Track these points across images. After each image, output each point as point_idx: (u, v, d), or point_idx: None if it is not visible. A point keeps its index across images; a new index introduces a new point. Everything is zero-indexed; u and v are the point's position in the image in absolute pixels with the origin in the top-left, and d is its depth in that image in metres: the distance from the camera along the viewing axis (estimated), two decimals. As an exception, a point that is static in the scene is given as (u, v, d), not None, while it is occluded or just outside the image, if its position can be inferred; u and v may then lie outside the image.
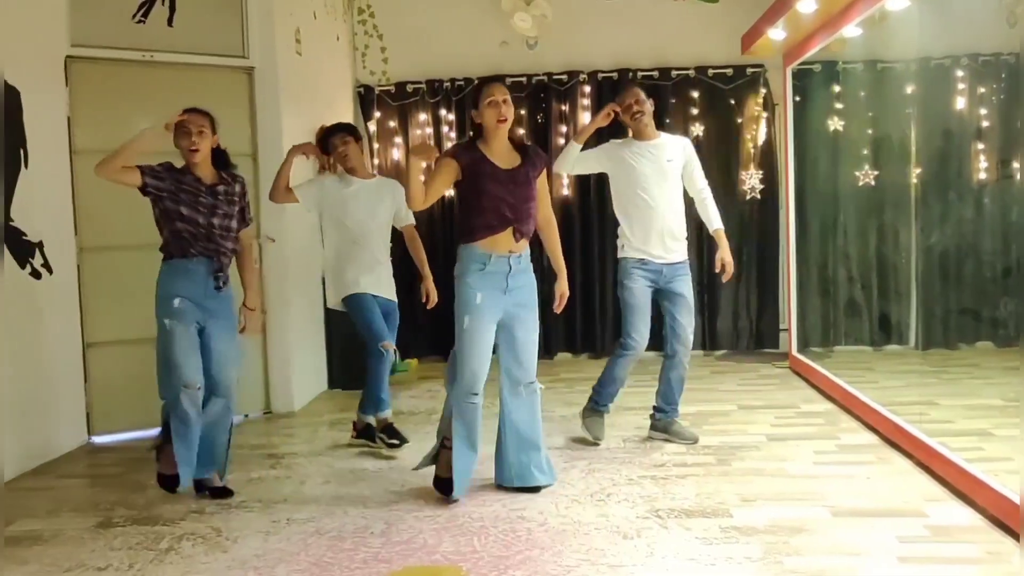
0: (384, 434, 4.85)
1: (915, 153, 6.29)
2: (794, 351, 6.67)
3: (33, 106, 4.74)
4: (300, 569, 3.24)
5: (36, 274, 4.77)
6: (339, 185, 4.88)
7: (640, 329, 4.66)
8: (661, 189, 4.64)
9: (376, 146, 7.54)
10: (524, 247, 3.96)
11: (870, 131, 6.91)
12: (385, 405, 4.89)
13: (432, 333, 7.23)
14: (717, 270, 4.83)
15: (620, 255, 4.74)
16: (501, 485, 4.05)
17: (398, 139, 7.53)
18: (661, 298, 4.73)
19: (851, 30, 5.42)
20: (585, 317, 7.53)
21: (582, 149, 4.77)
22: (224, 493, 4.10)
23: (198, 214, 4.00)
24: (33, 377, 4.69)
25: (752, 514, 3.65)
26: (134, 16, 5.33)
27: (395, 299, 4.98)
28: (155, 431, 5.35)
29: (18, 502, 4.15)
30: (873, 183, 6.89)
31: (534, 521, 3.64)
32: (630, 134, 4.77)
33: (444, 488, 3.94)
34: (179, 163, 4.13)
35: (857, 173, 6.86)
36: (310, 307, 6.29)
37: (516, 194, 3.88)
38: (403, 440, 4.83)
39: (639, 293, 4.66)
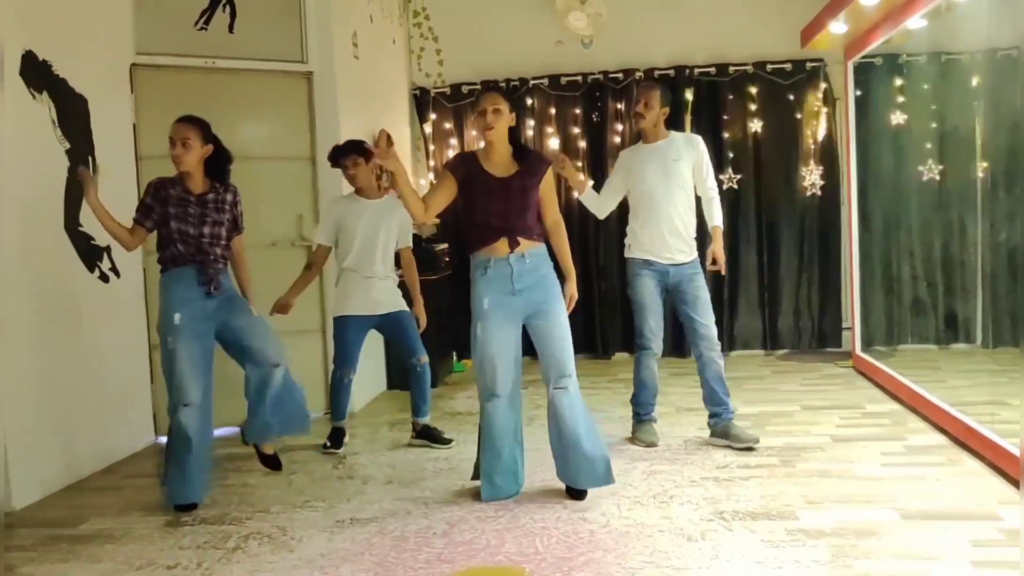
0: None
1: (981, 147, 6.13)
2: (858, 350, 6.54)
3: (100, 114, 4.85)
4: (364, 569, 3.26)
5: (104, 277, 4.88)
6: (350, 205, 4.96)
7: (651, 325, 4.69)
8: (666, 189, 4.64)
9: (432, 148, 7.58)
10: (528, 247, 3.92)
11: (934, 125, 6.75)
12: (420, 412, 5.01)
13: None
14: (708, 263, 4.80)
15: (626, 255, 4.79)
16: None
17: (453, 141, 7.56)
18: (675, 301, 4.75)
19: (915, 21, 5.30)
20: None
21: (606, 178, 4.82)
22: (272, 463, 4.29)
23: (188, 225, 4.05)
24: (101, 378, 4.80)
25: (819, 516, 3.59)
26: (196, 23, 5.43)
27: (402, 308, 5.02)
28: (221, 431, 5.49)
29: (90, 501, 4.26)
30: (938, 178, 6.73)
31: (596, 523, 3.62)
32: (640, 138, 4.82)
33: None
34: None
35: (921, 168, 6.70)
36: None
37: (508, 204, 3.89)
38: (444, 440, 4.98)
39: (646, 291, 4.69)
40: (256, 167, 5.63)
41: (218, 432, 5.43)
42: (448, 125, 7.56)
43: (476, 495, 4.03)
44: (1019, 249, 5.92)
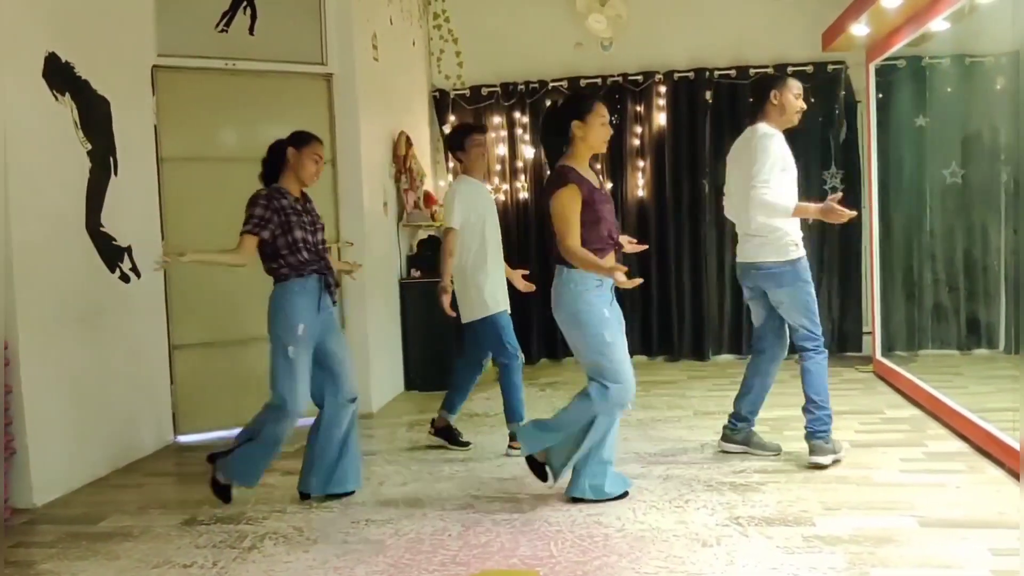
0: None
1: (1005, 150, 6.06)
2: (878, 355, 6.49)
3: (121, 115, 4.89)
4: (379, 570, 3.27)
5: (125, 278, 4.92)
6: (476, 188, 4.84)
7: (755, 331, 4.59)
8: (732, 183, 4.54)
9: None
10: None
11: (957, 128, 6.69)
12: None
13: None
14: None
15: (792, 256, 4.38)
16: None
17: (473, 142, 7.55)
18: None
19: (938, 24, 5.25)
20: (662, 321, 7.46)
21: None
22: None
23: (307, 233, 4.06)
24: (122, 377, 4.84)
25: (836, 523, 3.56)
26: (217, 25, 5.46)
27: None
28: (239, 430, 5.52)
29: (109, 498, 4.30)
30: (960, 181, 6.67)
31: (611, 527, 3.61)
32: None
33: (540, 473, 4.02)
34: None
35: (944, 171, 6.64)
36: (387, 310, 6.37)
37: (613, 214, 3.91)
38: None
39: (747, 300, 4.60)
40: (276, 168, 5.66)
41: (235, 431, 5.51)
42: (468, 127, 7.56)
43: (493, 496, 4.05)
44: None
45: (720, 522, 3.61)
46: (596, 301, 3.77)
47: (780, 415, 5.22)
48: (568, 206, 3.71)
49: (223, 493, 4.14)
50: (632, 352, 7.27)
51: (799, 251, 4.34)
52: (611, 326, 3.81)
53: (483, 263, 4.73)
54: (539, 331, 7.41)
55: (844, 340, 7.22)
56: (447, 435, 4.97)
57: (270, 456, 4.06)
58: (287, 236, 3.98)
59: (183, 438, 5.39)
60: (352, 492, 4.16)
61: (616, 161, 7.40)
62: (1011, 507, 3.67)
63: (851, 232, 7.13)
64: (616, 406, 3.83)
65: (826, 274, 7.17)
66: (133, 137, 5.02)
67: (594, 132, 3.82)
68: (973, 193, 6.61)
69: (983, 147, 6.44)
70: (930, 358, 6.68)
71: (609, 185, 7.17)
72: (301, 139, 4.09)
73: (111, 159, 4.82)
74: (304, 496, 4.13)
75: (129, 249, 4.94)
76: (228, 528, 3.80)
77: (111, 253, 4.81)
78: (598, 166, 7.21)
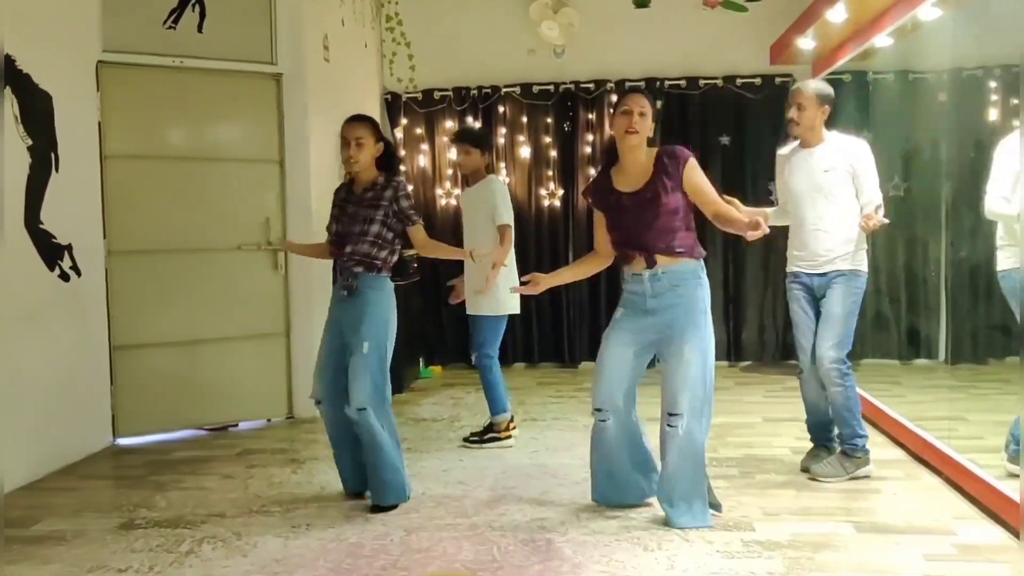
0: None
1: (946, 165, 6.20)
2: (821, 364, 6.58)
3: (65, 111, 4.79)
4: (318, 575, 3.23)
5: (65, 276, 4.82)
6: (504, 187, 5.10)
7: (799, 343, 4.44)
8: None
9: (403, 153, 7.56)
10: (668, 263, 3.64)
11: (900, 142, 6.82)
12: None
13: (457, 339, 7.25)
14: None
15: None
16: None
17: (424, 146, 7.55)
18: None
19: (882, 40, 5.36)
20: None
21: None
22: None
23: (340, 224, 4.02)
24: (60, 378, 4.74)
25: (775, 528, 3.60)
26: (165, 22, 5.38)
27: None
28: (180, 434, 5.45)
29: (44, 502, 4.20)
30: (903, 195, 6.81)
31: (555, 532, 3.62)
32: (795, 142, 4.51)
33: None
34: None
35: (887, 185, 6.76)
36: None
37: (640, 219, 3.63)
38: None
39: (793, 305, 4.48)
40: (223, 169, 5.60)
41: (176, 435, 5.44)
42: (419, 131, 7.55)
43: (437, 501, 4.03)
44: (980, 267, 6.00)
45: (662, 527, 3.64)
46: (621, 299, 3.79)
47: (723, 421, 5.27)
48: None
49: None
50: (580, 360, 7.45)
51: (790, 265, 4.42)
52: (612, 326, 3.78)
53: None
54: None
55: (787, 348, 7.30)
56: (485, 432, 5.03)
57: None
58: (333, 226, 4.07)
59: (123, 441, 5.28)
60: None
61: (567, 168, 7.43)
62: (945, 513, 3.76)
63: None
64: (593, 409, 3.83)
65: (771, 284, 7.27)
66: (76, 133, 4.92)
67: (615, 124, 3.71)
68: (915, 206, 6.75)
69: (925, 162, 6.58)
70: (871, 367, 6.79)
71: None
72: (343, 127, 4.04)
73: (52, 155, 4.72)
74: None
75: (69, 247, 4.84)
76: (165, 532, 3.73)
77: (50, 251, 4.70)
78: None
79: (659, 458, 3.78)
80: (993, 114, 6.06)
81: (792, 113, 4.31)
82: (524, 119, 7.45)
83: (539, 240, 7.43)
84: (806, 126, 4.31)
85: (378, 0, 7.34)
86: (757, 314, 7.35)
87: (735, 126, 7.29)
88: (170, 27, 5.39)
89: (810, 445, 4.46)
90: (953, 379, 6.08)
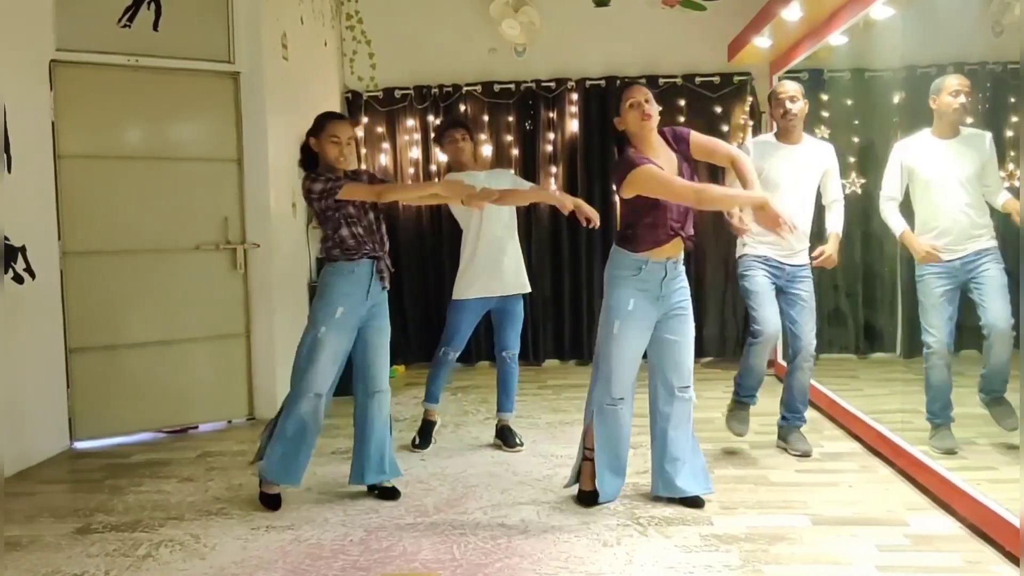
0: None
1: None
2: (779, 358, 6.67)
3: (17, 110, 4.72)
4: (278, 577, 3.23)
5: (19, 279, 4.75)
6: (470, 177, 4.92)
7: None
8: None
9: (363, 151, 7.53)
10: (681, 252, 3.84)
11: (856, 139, 6.92)
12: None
13: (420, 338, 7.24)
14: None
15: None
16: (656, 496, 3.96)
17: (385, 145, 7.52)
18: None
19: (837, 38, 5.44)
20: (574, 324, 7.53)
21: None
22: (393, 494, 4.09)
23: (362, 215, 3.97)
24: (15, 382, 4.67)
25: (732, 522, 3.65)
26: (119, 20, 5.31)
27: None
28: (138, 436, 5.39)
29: (-3, 508, 4.14)
30: (859, 191, 6.90)
31: (515, 528, 3.63)
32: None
33: (588, 500, 3.89)
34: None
35: (843, 181, 6.85)
36: (294, 312, 6.27)
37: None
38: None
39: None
40: (181, 168, 5.55)
41: (135, 438, 5.38)
42: (380, 129, 7.52)
43: (398, 500, 4.01)
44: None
45: (621, 522, 3.67)
46: (626, 289, 3.75)
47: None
48: (655, 178, 3.61)
49: (270, 502, 4.02)
50: (544, 358, 7.47)
51: (743, 248, 4.64)
52: (629, 319, 3.75)
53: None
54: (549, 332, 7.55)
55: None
56: (502, 437, 4.96)
57: (310, 445, 4.03)
58: (344, 214, 3.94)
59: (80, 444, 5.22)
60: (392, 486, 4.13)
61: (529, 167, 7.44)
62: (898, 504, 3.83)
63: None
64: (602, 400, 3.84)
65: (731, 280, 7.33)
66: (29, 133, 4.85)
67: (627, 118, 3.77)
68: (871, 202, 6.83)
69: (880, 158, 6.67)
70: (829, 362, 6.88)
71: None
72: (317, 125, 3.99)
73: (4, 156, 4.65)
74: (371, 489, 4.16)
75: (23, 249, 4.77)
76: (122, 536, 3.69)
77: (4, 253, 4.63)
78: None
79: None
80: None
81: (791, 107, 4.54)
82: (485, 118, 7.45)
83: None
84: (801, 119, 4.56)
85: (337, -2, 7.32)
86: (718, 310, 7.41)
87: (695, 124, 7.32)
88: (125, 25, 5.33)
89: (772, 437, 4.66)
90: (908, 372, 6.17)
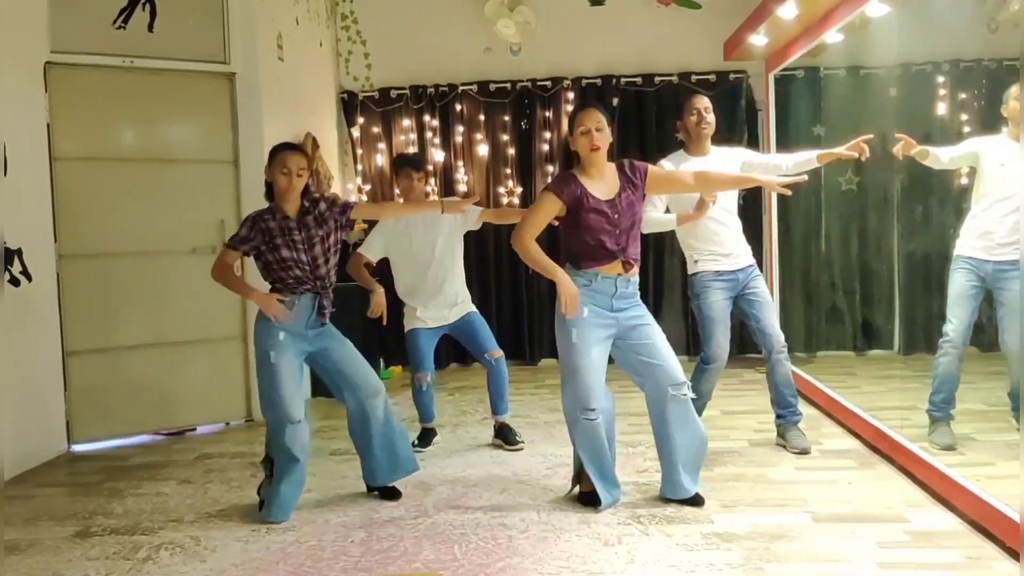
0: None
1: (897, 159, 6.30)
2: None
3: (12, 112, 4.71)
4: (279, 578, 3.22)
5: (15, 281, 4.73)
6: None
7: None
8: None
9: (359, 152, 7.52)
10: (634, 271, 3.82)
11: (852, 136, 6.92)
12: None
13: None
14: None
15: None
16: (663, 497, 3.94)
17: (381, 145, 7.52)
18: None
19: (832, 36, 5.43)
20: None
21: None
22: (393, 494, 4.08)
23: (299, 252, 3.89)
24: (13, 385, 4.64)
25: (733, 520, 3.64)
26: (114, 22, 5.30)
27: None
28: (136, 439, 5.38)
29: (-4, 511, 4.13)
30: (855, 189, 6.92)
31: (515, 528, 3.63)
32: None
33: (590, 501, 3.87)
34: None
35: (840, 179, 6.88)
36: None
37: (617, 225, 3.75)
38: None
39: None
40: (176, 170, 5.54)
41: (133, 440, 5.37)
42: (376, 129, 7.52)
43: (398, 501, 4.01)
44: (931, 258, 6.11)
45: (622, 521, 3.67)
46: (581, 295, 3.75)
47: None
48: (536, 206, 3.81)
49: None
50: (540, 357, 7.46)
51: (696, 267, 4.61)
52: (586, 325, 3.76)
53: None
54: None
55: (744, 342, 7.35)
56: (500, 435, 4.97)
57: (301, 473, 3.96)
58: (274, 254, 3.87)
59: (78, 447, 5.21)
60: (393, 486, 4.13)
61: (525, 166, 7.44)
62: (898, 501, 3.82)
63: (751, 238, 7.26)
64: (568, 415, 3.87)
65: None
66: (24, 136, 4.84)
67: (577, 143, 3.79)
68: (867, 200, 6.86)
69: (876, 155, 6.68)
70: (827, 359, 6.90)
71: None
72: (270, 155, 3.95)
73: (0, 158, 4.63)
74: (371, 490, 4.15)
75: (19, 251, 4.76)
76: (122, 539, 3.68)
77: (1, 256, 4.61)
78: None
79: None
80: (941, 108, 6.19)
81: (707, 115, 4.58)
82: (481, 117, 7.45)
83: (497, 238, 7.41)
84: (711, 131, 4.62)
85: (332, -2, 7.31)
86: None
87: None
88: (120, 27, 5.32)
89: (771, 435, 4.71)
90: (907, 369, 6.20)
